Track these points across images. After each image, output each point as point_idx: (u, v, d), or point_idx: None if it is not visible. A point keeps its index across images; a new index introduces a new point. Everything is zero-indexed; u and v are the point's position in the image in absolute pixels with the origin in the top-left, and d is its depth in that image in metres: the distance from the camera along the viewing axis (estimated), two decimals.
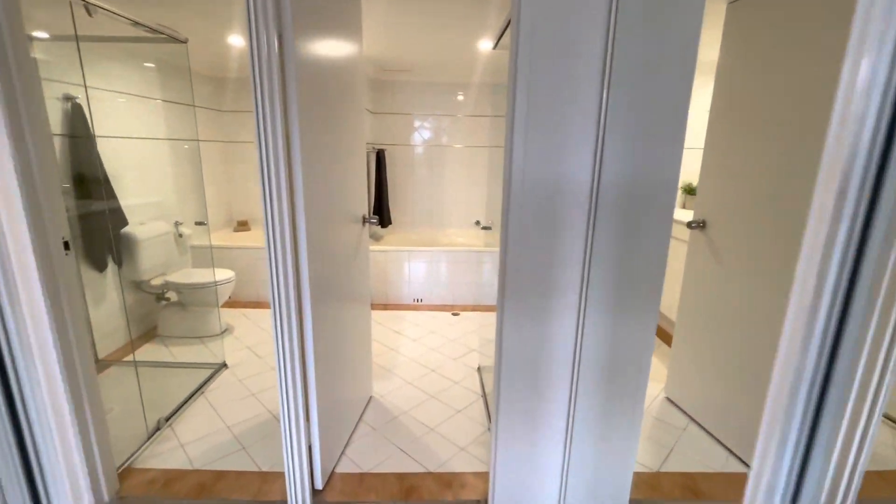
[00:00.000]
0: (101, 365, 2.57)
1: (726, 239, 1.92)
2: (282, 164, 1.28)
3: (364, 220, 2.03)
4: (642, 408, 1.46)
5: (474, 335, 3.13)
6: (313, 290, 1.45)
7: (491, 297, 3.72)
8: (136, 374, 2.47)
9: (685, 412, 2.17)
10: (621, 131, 1.23)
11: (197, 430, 2.01)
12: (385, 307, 3.62)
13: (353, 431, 2.01)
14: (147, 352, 2.80)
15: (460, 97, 4.12)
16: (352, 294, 1.92)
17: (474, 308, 3.66)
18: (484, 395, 2.36)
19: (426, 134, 4.17)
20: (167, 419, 2.07)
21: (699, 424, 2.07)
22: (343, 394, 1.84)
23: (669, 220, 1.30)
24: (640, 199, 1.28)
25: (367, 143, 3.80)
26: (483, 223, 4.37)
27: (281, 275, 1.35)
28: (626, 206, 1.28)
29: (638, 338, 1.39)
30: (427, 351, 2.86)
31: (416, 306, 3.66)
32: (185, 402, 2.23)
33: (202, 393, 2.32)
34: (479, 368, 2.64)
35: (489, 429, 1.88)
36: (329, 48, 1.55)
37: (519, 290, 1.35)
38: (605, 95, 1.20)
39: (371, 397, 2.32)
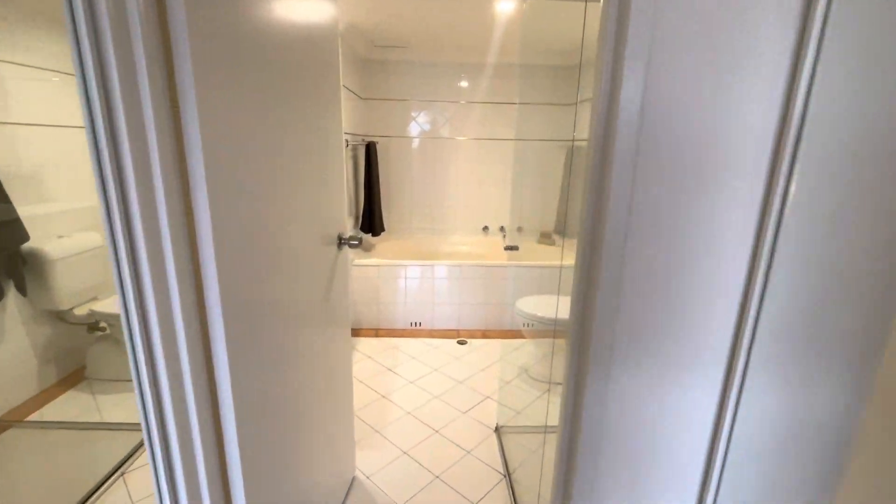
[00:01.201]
0: None
1: None
2: (156, 170, 0.66)
3: (340, 242, 1.41)
4: None
5: (488, 375, 2.51)
6: (234, 367, 0.83)
7: (503, 321, 3.10)
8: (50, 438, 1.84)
9: None
10: (851, 43, 0.62)
11: None
12: (377, 333, 3.00)
13: None
14: (65, 403, 2.17)
15: (464, 84, 3.48)
16: (319, 343, 1.30)
17: (484, 334, 3.04)
18: (508, 476, 1.74)
19: (425, 124, 3.53)
20: None
21: None
22: (302, 481, 1.21)
23: None
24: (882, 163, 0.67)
25: (356, 135, 3.16)
26: (501, 231, 3.75)
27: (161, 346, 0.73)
28: (849, 179, 0.67)
29: (835, 419, 0.79)
30: (429, 400, 2.24)
31: (415, 331, 3.04)
32: (104, 483, 1.61)
33: (127, 470, 1.69)
34: (497, 429, 2.02)
35: None
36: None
37: (618, 335, 0.75)
38: None
39: (354, 479, 1.70)
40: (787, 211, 0.67)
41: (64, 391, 2.25)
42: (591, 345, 0.76)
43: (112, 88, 0.59)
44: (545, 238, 3.63)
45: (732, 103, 0.64)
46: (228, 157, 0.77)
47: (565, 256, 3.08)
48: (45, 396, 2.18)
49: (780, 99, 0.63)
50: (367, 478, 1.70)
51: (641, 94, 0.63)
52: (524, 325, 2.38)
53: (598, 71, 0.69)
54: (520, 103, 3.51)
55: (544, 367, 2.46)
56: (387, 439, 1.93)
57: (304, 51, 1.10)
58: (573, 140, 3.53)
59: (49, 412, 2.10)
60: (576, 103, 3.12)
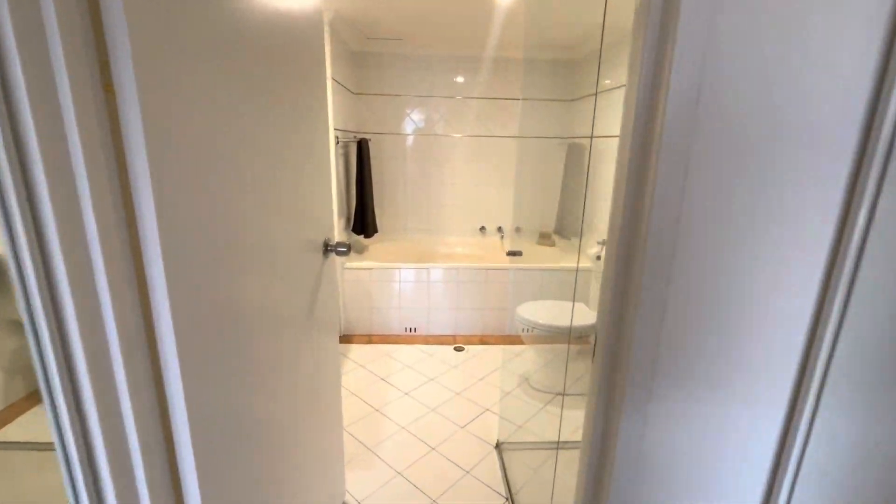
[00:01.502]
0: None
1: None
2: (80, 175, 0.51)
3: (326, 248, 1.26)
4: None
5: (487, 385, 2.38)
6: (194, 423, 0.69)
7: (502, 326, 2.97)
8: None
9: None
10: None
11: None
12: (370, 340, 2.86)
13: None
14: (33, 420, 2.01)
15: (460, 79, 3.34)
16: (303, 357, 1.16)
17: (482, 340, 2.91)
18: (510, 498, 1.62)
19: (420, 120, 3.39)
20: None
21: None
22: None
23: None
24: None
25: (348, 132, 3.01)
26: (498, 231, 3.61)
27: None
28: None
29: None
30: (425, 413, 2.11)
31: (409, 337, 2.91)
32: None
33: None
34: (498, 446, 1.89)
35: None
36: None
37: (660, 355, 0.62)
38: None
39: None
40: (874, 224, 0.54)
41: (32, 406, 2.09)
42: (628, 365, 0.63)
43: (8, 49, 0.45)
44: (545, 239, 3.50)
45: (821, 79, 0.51)
46: (185, 146, 0.62)
47: (568, 258, 2.94)
48: (12, 411, 2.02)
49: (878, 66, 0.50)
50: (359, 503, 1.57)
51: (697, 72, 0.50)
52: (523, 330, 2.25)
53: (637, 49, 0.56)
54: (523, 99, 3.38)
55: (545, 377, 2.34)
56: (380, 458, 1.79)
57: (285, 38, 0.96)
58: (574, 137, 3.41)
59: (14, 432, 1.94)
60: (594, 94, 2.98)
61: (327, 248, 1.26)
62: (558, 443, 1.79)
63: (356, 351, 2.71)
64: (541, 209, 3.59)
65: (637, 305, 0.59)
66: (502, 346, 2.83)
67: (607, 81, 3.11)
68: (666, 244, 0.56)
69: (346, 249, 1.24)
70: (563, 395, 2.20)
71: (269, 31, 0.88)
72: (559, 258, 3.15)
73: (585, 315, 2.28)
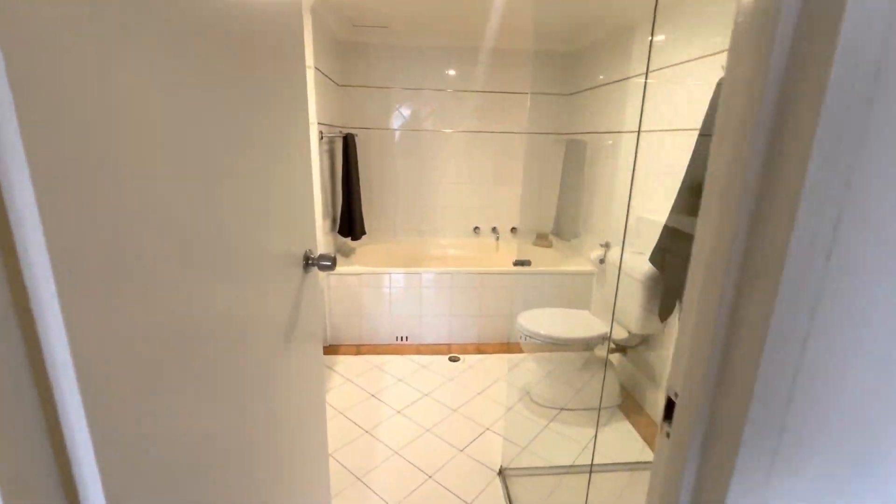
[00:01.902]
0: None
1: None
2: None
3: (307, 262, 1.07)
4: None
5: (486, 399, 2.21)
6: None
7: (498, 333, 2.80)
8: None
9: None
10: None
11: None
12: (358, 351, 2.66)
13: None
14: None
15: (451, 72, 3.14)
16: (281, 380, 0.97)
17: (478, 348, 2.74)
18: None
19: (410, 115, 3.19)
20: None
21: None
22: None
23: None
24: None
25: (333, 126, 2.80)
26: (493, 232, 3.44)
27: None
28: None
29: None
30: (420, 434, 1.93)
31: (401, 347, 2.72)
32: None
33: None
34: (502, 472, 1.72)
35: None
36: None
37: (788, 424, 0.44)
38: None
39: None
40: None
41: None
42: (737, 432, 0.46)
43: None
44: (542, 240, 3.34)
45: None
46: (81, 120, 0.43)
47: (568, 261, 2.76)
48: None
49: None
50: None
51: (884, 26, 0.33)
52: (522, 337, 2.09)
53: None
54: (519, 93, 3.20)
55: (548, 389, 2.17)
56: (371, 490, 1.61)
57: (255, 20, 0.77)
58: (572, 133, 3.24)
59: None
60: (593, 88, 2.81)
61: (308, 262, 1.06)
62: (569, 466, 1.63)
63: (343, 363, 2.51)
64: (537, 209, 3.43)
65: (758, 350, 0.42)
66: (500, 356, 2.66)
67: (601, 77, 2.96)
68: (815, 256, 0.39)
69: (330, 263, 1.05)
70: (587, 410, 2.04)
71: (236, 11, 0.69)
72: (558, 261, 2.99)
73: (591, 324, 2.12)
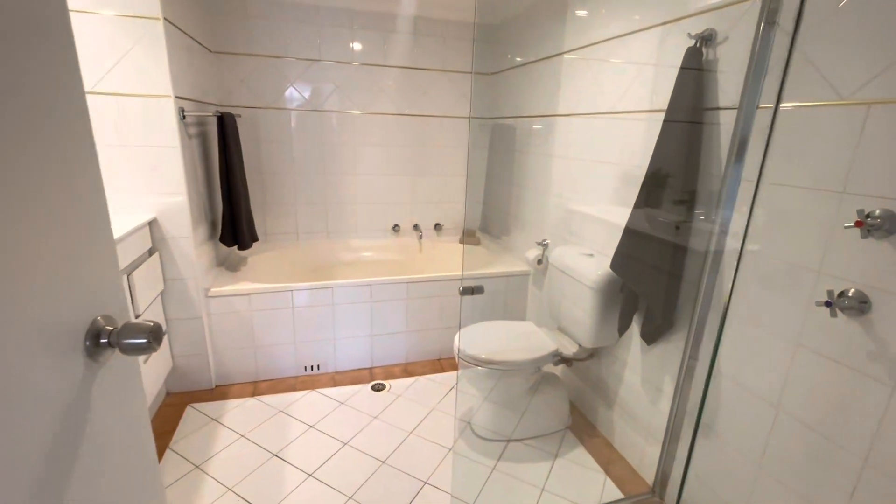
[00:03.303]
0: None
1: None
2: None
3: (97, 342, 0.56)
4: None
5: (419, 438, 1.82)
6: None
7: (428, 348, 2.43)
8: None
9: None
10: None
11: None
12: (255, 391, 2.11)
13: None
14: None
15: (357, 45, 2.63)
16: None
17: (406, 369, 2.34)
18: None
19: (310, 92, 2.63)
20: None
21: None
22: None
23: None
24: None
25: (204, 103, 2.16)
26: (415, 230, 3.01)
27: None
28: None
29: None
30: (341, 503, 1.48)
31: (311, 379, 2.22)
32: None
33: None
34: None
35: None
36: None
37: None
38: None
39: None
40: None
41: None
42: None
43: None
44: (469, 237, 3.02)
45: None
46: None
47: (500, 260, 2.45)
48: None
49: None
50: None
51: None
52: (462, 362, 1.74)
53: None
54: (446, 70, 2.79)
55: (491, 417, 1.85)
56: None
57: None
58: (499, 117, 2.91)
59: None
60: (517, 66, 2.48)
61: (100, 342, 0.56)
62: None
63: (235, 412, 1.95)
64: (462, 203, 3.09)
65: None
66: (431, 377, 2.28)
67: (518, 59, 2.68)
68: None
69: (145, 341, 0.56)
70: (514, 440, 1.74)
71: None
72: (488, 261, 2.68)
73: (537, 340, 1.83)
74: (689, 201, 1.34)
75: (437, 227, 3.06)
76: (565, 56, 2.09)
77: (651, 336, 1.51)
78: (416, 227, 3.01)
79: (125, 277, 1.56)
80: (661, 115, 1.48)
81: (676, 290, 1.41)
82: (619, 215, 1.74)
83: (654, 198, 1.39)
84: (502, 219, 2.84)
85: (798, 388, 1.09)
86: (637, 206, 1.43)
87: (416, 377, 2.27)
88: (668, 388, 1.50)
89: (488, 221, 3.06)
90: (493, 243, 2.96)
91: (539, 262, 2.26)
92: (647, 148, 1.54)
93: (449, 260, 2.91)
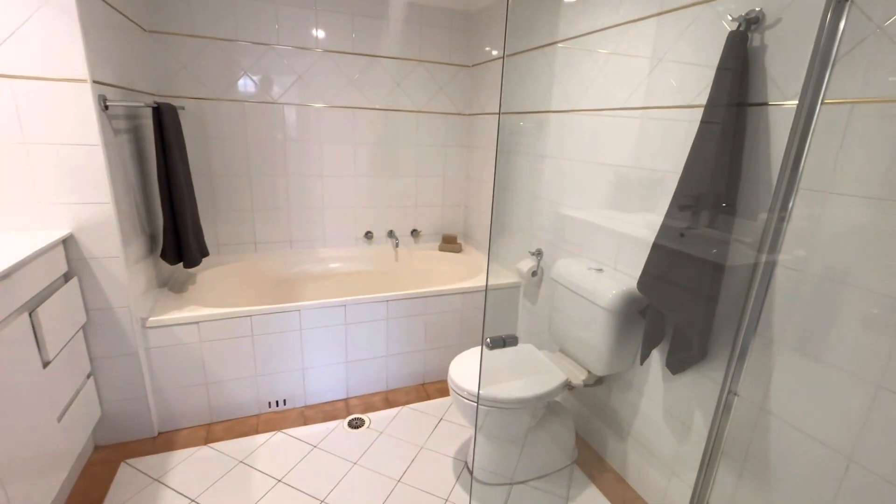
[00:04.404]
0: None
1: None
2: None
3: None
4: None
5: (408, 488, 1.56)
6: None
7: (411, 371, 2.16)
8: None
9: None
10: None
11: None
12: (207, 436, 1.77)
13: None
14: None
15: (320, 31, 2.31)
16: None
17: (387, 399, 2.06)
18: None
19: (265, 81, 2.28)
20: None
21: None
22: None
23: None
24: None
25: (137, 92, 1.78)
26: (390, 237, 2.71)
27: None
28: None
29: None
30: None
31: (276, 417, 1.90)
32: None
33: None
34: None
35: None
36: None
37: None
38: None
39: None
40: None
41: None
42: None
43: None
44: (449, 244, 2.76)
45: None
46: None
47: (486, 271, 2.19)
48: None
49: None
50: None
51: None
52: (458, 397, 1.50)
53: None
54: (423, 60, 2.50)
55: (490, 457, 1.61)
56: None
57: None
58: (479, 113, 2.61)
59: None
60: (498, 59, 2.23)
61: None
62: None
63: (183, 466, 1.61)
64: (442, 206, 2.83)
65: None
66: (416, 406, 2.02)
67: (494, 52, 2.46)
68: None
69: None
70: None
71: None
72: (472, 272, 2.44)
73: (543, 369, 1.60)
74: (730, 213, 1.15)
75: (415, 233, 2.79)
76: (559, 45, 1.87)
77: (679, 365, 1.32)
78: (390, 233, 2.72)
79: (26, 315, 1.20)
80: (684, 112, 1.29)
81: (713, 315, 1.22)
82: (626, 223, 1.54)
83: (689, 209, 1.19)
84: (486, 224, 2.61)
85: (879, 437, 0.92)
86: (669, 217, 1.23)
87: (399, 407, 2.00)
88: (700, 425, 1.32)
89: (470, 226, 2.82)
90: (477, 251, 2.72)
91: (533, 273, 2.04)
92: (667, 149, 1.34)
93: (429, 269, 2.65)
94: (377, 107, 2.52)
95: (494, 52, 2.42)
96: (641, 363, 1.47)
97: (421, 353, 2.15)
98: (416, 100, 2.58)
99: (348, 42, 2.37)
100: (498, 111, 2.41)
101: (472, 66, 2.64)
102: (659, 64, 1.38)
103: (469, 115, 2.72)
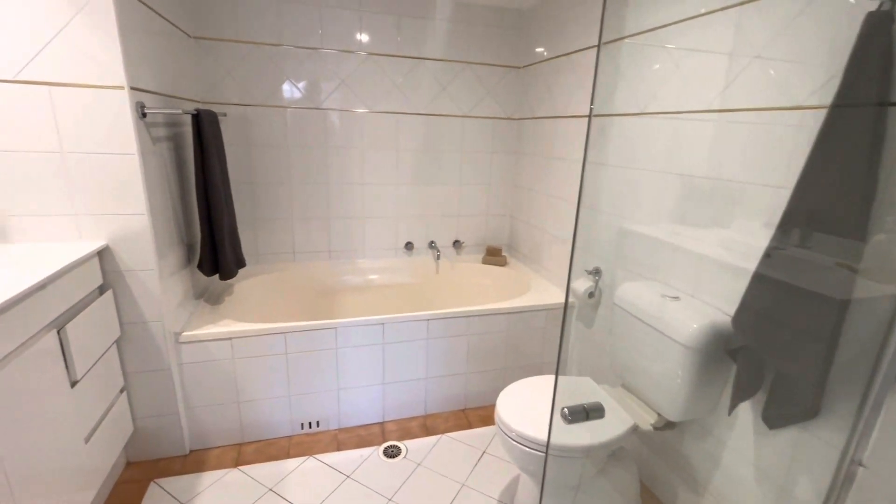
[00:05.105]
0: None
1: None
2: None
3: None
4: None
5: None
6: None
7: (453, 395, 2.01)
8: None
9: None
10: None
11: None
12: (238, 458, 1.69)
13: None
14: None
15: (364, 36, 2.21)
16: None
17: (425, 425, 1.92)
18: None
19: (308, 86, 2.21)
20: None
21: None
22: None
23: None
24: None
25: (176, 98, 1.74)
26: (431, 247, 2.58)
27: None
28: None
29: None
30: None
31: (309, 441, 1.80)
32: None
33: None
34: None
35: None
36: None
37: None
38: None
39: None
40: None
41: None
42: None
43: None
44: (493, 256, 2.59)
45: None
46: None
47: (536, 288, 1.99)
48: None
49: None
50: None
51: None
52: (501, 426, 1.32)
53: None
54: (471, 62, 2.36)
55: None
56: None
57: None
58: (530, 117, 2.38)
59: None
60: (548, 59, 2.03)
61: None
62: None
63: (211, 490, 1.53)
64: (486, 215, 2.67)
65: None
66: (456, 435, 1.86)
67: (539, 49, 2.27)
68: None
69: None
70: None
71: None
72: (518, 288, 2.26)
73: (607, 410, 1.40)
74: (860, 238, 0.92)
75: (457, 244, 2.64)
76: (626, 41, 1.67)
77: (779, 421, 1.09)
78: (432, 244, 2.59)
79: (54, 333, 1.14)
80: (785, 115, 1.07)
81: (831, 362, 0.99)
82: (697, 241, 1.32)
83: (803, 232, 0.97)
84: (534, 236, 2.42)
85: None
86: (774, 242, 1.01)
87: (438, 436, 1.85)
88: (808, 496, 1.08)
89: (517, 238, 2.64)
90: (522, 264, 2.54)
91: (590, 295, 1.84)
92: (752, 158, 1.12)
93: (471, 283, 2.49)
94: (421, 112, 2.39)
95: (545, 53, 2.23)
96: (729, 413, 1.24)
97: (462, 377, 1.99)
98: (462, 104, 2.44)
99: (393, 44, 2.27)
100: (588, 113, 2.22)
101: (523, 67, 2.47)
102: (754, 59, 1.16)
103: (518, 119, 2.55)
